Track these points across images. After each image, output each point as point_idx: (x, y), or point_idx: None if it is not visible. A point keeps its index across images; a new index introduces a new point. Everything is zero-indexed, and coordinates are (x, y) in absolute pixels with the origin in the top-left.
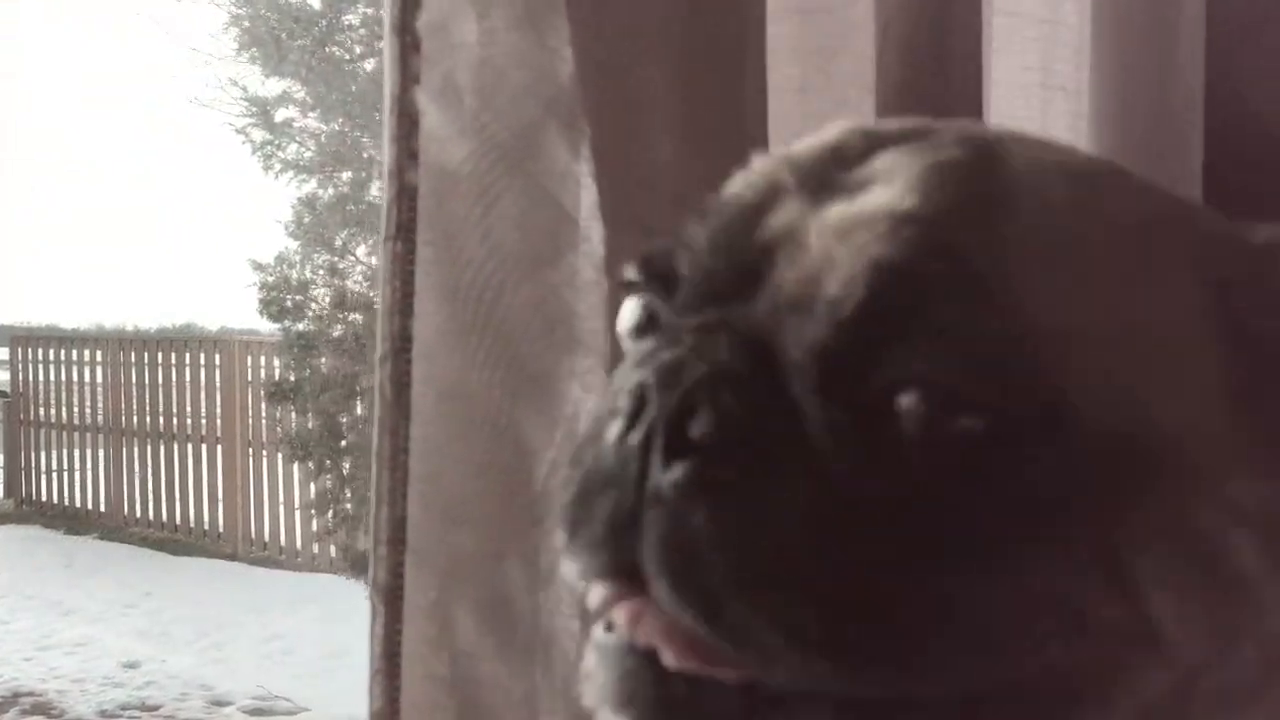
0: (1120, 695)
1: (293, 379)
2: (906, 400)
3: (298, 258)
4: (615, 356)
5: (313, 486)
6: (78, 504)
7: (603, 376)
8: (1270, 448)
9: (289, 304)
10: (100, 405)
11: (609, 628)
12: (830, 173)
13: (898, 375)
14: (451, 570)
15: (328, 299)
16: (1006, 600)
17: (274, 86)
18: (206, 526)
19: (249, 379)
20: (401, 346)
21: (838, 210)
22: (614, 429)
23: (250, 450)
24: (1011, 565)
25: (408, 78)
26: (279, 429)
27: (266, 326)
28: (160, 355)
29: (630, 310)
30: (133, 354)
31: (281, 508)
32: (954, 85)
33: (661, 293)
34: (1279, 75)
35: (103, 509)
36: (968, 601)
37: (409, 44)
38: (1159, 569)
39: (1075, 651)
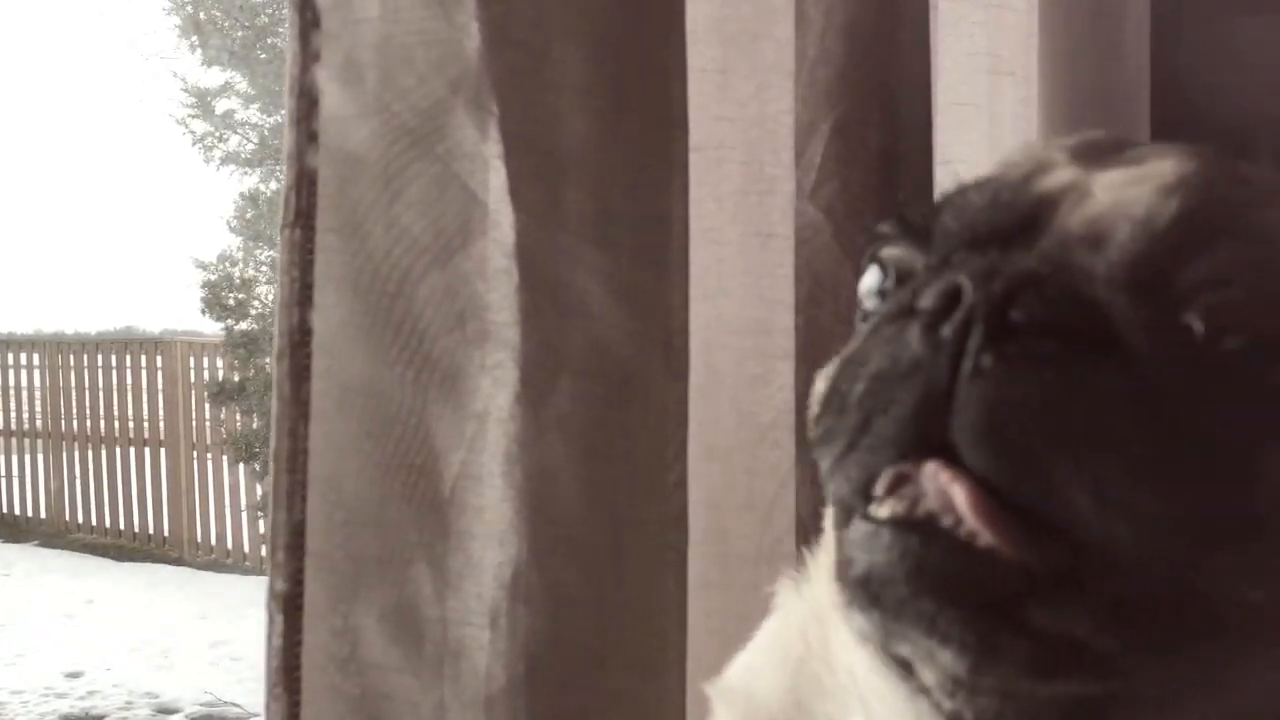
0: None
1: (236, 379)
2: (1206, 301)
3: (240, 254)
4: (527, 350)
5: (259, 488)
6: (17, 511)
7: (514, 371)
8: None
9: (232, 302)
10: (39, 410)
11: (876, 513)
12: (1097, 152)
13: (1201, 281)
14: (355, 577)
15: (271, 296)
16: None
17: (215, 77)
18: (151, 531)
19: (192, 380)
20: (300, 340)
21: (1120, 171)
22: (914, 330)
23: (195, 453)
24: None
25: (308, 56)
26: (223, 430)
27: (210, 327)
28: (100, 358)
29: (876, 271)
30: (71, 357)
31: (228, 510)
32: (901, 70)
33: (918, 246)
34: (1223, 63)
35: (43, 515)
36: (1241, 495)
37: (309, 20)
38: None
39: None
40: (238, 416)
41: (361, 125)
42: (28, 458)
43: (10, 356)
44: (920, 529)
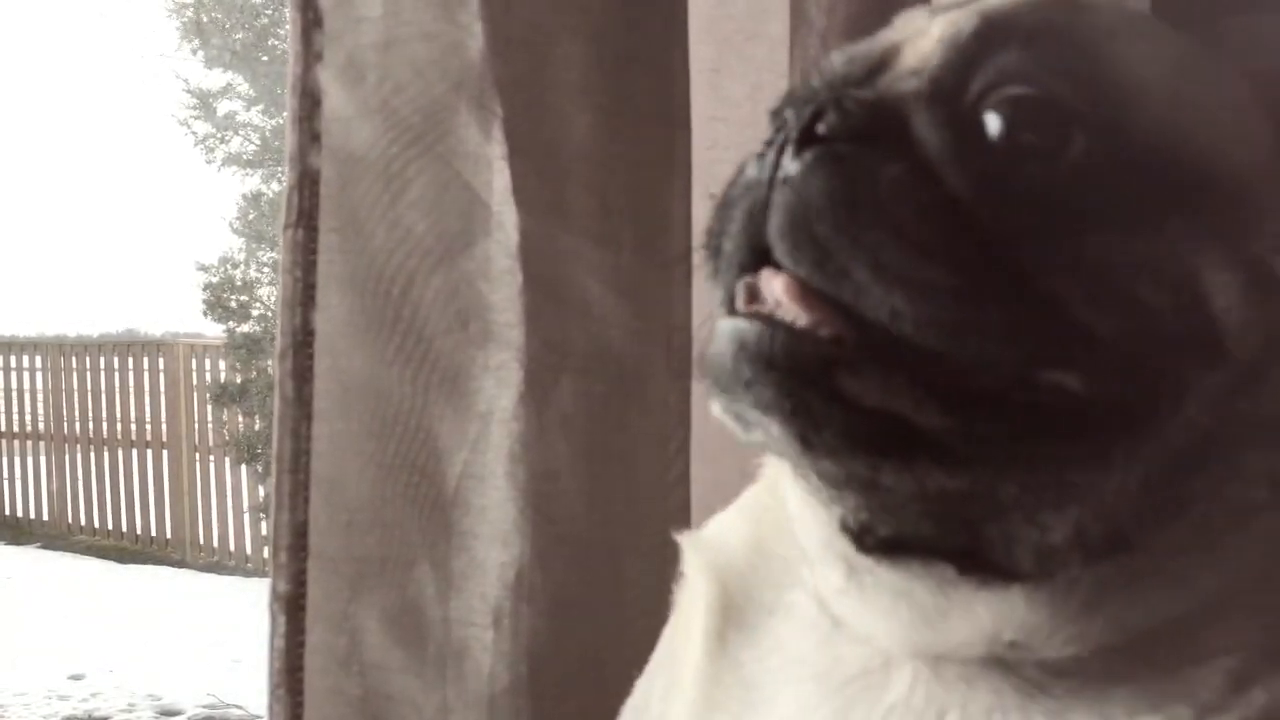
0: (1180, 401)
1: (239, 381)
2: (996, 102)
3: (242, 256)
4: (530, 350)
5: (261, 489)
6: (19, 513)
7: (518, 372)
8: None
9: (233, 304)
10: (41, 412)
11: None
12: (956, 4)
13: (991, 79)
14: (358, 578)
15: (274, 298)
16: (1068, 283)
17: (217, 79)
18: (154, 533)
19: (194, 382)
20: (303, 340)
21: (961, 10)
22: (752, 161)
23: (197, 454)
24: (1072, 250)
25: (310, 56)
26: (225, 432)
27: (212, 329)
28: (103, 360)
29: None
30: (74, 359)
31: (230, 512)
32: None
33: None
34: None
35: (45, 518)
36: (1018, 276)
37: (311, 19)
38: (1220, 273)
39: (1146, 350)
40: (239, 418)
41: (364, 125)
42: (30, 460)
43: (13, 359)
44: (753, 318)
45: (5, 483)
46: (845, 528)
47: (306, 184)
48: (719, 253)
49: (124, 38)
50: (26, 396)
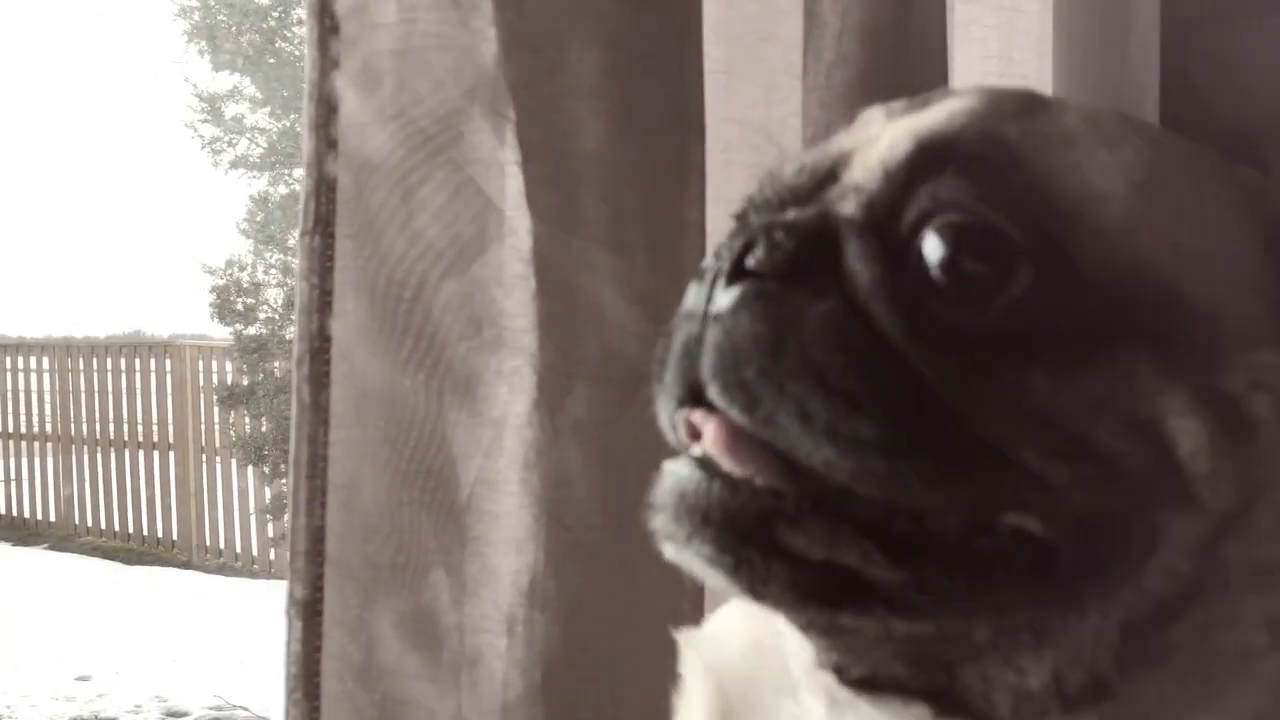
0: (1153, 547)
1: (245, 383)
2: (929, 234)
3: (250, 259)
4: (543, 356)
5: (267, 491)
6: (26, 514)
7: (531, 377)
8: None
9: (240, 307)
10: (48, 413)
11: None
12: (915, 105)
13: (925, 208)
14: (373, 583)
15: (280, 300)
16: (1012, 428)
17: (224, 82)
18: (160, 534)
19: (201, 384)
20: (320, 346)
21: (909, 118)
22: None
23: (204, 456)
24: (1016, 393)
25: (327, 62)
26: (232, 433)
27: (218, 331)
28: (109, 361)
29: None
30: (80, 360)
31: (236, 514)
32: (916, 71)
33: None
34: (1231, 67)
35: (52, 519)
36: (956, 422)
37: (328, 27)
38: (1185, 418)
39: (1107, 496)
40: (246, 420)
41: (379, 131)
42: (38, 461)
43: (20, 360)
44: (696, 464)
45: (12, 484)
46: (821, 663)
47: (324, 190)
48: (661, 381)
49: (125, 39)
50: (34, 398)
